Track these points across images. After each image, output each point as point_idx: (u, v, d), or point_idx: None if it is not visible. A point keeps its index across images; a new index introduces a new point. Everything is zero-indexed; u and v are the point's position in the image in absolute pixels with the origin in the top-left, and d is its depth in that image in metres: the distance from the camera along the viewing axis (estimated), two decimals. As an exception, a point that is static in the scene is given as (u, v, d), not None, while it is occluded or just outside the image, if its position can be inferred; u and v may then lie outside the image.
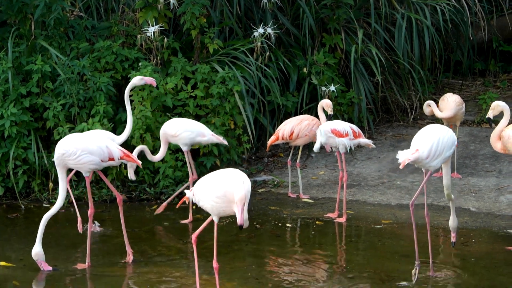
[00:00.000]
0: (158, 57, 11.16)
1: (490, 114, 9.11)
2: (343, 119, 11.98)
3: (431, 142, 7.54)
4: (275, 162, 11.82)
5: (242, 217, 6.04)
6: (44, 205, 10.35)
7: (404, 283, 7.59)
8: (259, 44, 11.41)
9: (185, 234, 9.02)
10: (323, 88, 11.59)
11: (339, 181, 9.88)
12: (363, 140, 9.88)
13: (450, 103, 10.84)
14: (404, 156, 7.55)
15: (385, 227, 9.44)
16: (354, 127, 9.86)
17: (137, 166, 8.94)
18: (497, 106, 9.02)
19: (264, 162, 11.84)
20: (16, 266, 8.06)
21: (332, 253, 8.68)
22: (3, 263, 8.07)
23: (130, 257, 8.22)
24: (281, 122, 10.94)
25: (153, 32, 10.93)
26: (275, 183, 11.08)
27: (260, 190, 10.87)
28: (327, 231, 9.40)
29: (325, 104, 10.21)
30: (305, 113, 11.55)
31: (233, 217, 6.34)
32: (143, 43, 11.08)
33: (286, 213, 10.01)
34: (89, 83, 10.68)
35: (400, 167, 7.55)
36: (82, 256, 8.33)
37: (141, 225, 9.58)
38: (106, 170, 10.51)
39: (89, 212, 8.24)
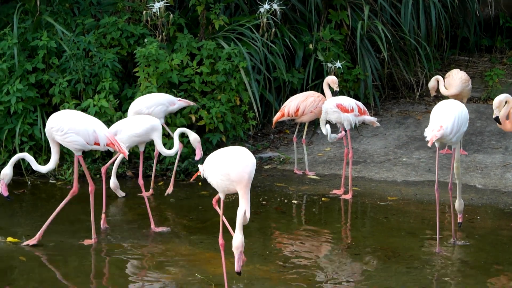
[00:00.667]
0: (164, 33, 11.13)
1: (497, 113, 8.61)
2: (349, 96, 11.95)
3: (453, 118, 7.62)
4: (281, 138, 11.81)
5: (239, 266, 6.06)
6: (50, 181, 10.37)
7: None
8: (265, 20, 11.37)
9: (191, 210, 9.03)
10: (329, 65, 11.56)
11: (345, 158, 9.87)
12: (368, 118, 9.86)
13: (456, 80, 10.79)
14: (431, 134, 7.59)
15: (391, 204, 9.45)
16: (360, 104, 9.83)
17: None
18: (500, 102, 8.52)
19: (270, 138, 11.84)
20: (22, 241, 8.07)
21: (337, 229, 8.69)
22: (9, 238, 8.09)
23: (91, 241, 8.12)
24: (287, 98, 10.92)
25: (159, 8, 10.90)
26: (281, 159, 11.08)
27: (266, 167, 10.87)
28: (333, 208, 9.41)
29: (331, 80, 10.19)
30: (311, 90, 11.54)
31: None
32: (149, 19, 11.05)
33: (292, 190, 10.01)
34: (94, 59, 10.67)
35: (429, 144, 7.61)
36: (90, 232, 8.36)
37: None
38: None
39: (90, 189, 8.22)
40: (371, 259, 7.71)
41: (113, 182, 9.57)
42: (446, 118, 7.62)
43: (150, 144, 10.45)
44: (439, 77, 10.81)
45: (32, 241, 7.98)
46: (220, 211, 6.64)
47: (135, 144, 8.61)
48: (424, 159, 10.80)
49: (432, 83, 10.89)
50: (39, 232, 8.00)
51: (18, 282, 7.07)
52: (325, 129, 9.71)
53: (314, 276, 7.26)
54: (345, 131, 9.73)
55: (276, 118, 10.43)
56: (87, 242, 8.09)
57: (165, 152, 8.72)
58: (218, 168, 6.33)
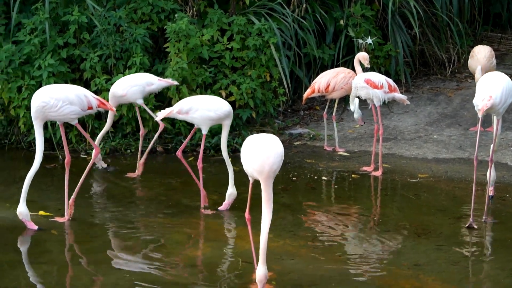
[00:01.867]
0: (194, 9, 11.12)
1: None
2: (380, 72, 11.87)
3: (501, 88, 7.64)
4: (311, 115, 11.79)
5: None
6: (81, 155, 10.43)
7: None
8: (296, -5, 11.33)
9: (221, 186, 9.04)
10: (360, 41, 11.48)
11: (375, 135, 9.83)
12: (398, 95, 9.79)
13: (480, 58, 10.69)
14: (481, 103, 7.58)
15: (421, 181, 9.41)
16: (390, 80, 9.76)
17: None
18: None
19: (300, 115, 11.81)
20: (54, 215, 8.14)
21: (367, 206, 8.68)
22: (41, 212, 8.16)
23: (66, 217, 8.03)
24: (317, 74, 10.87)
25: (190, -17, 10.89)
26: (311, 136, 11.06)
27: (296, 143, 10.86)
28: (363, 185, 9.39)
29: (362, 57, 10.13)
30: (341, 66, 11.48)
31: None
32: (180, -6, 11.05)
33: (321, 166, 10.00)
34: (125, 34, 10.69)
35: (480, 114, 7.59)
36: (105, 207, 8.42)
37: (177, 177, 9.63)
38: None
39: (65, 161, 8.08)
40: (401, 236, 7.69)
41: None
42: (495, 88, 7.64)
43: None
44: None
45: (62, 218, 8.00)
46: (249, 191, 6.59)
47: (209, 126, 8.37)
48: (455, 136, 10.73)
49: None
50: (65, 210, 8.00)
51: (49, 256, 7.13)
52: (353, 105, 9.69)
53: (343, 253, 7.25)
54: (375, 107, 9.68)
55: (306, 94, 10.40)
56: (60, 219, 7.99)
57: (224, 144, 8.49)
58: (244, 155, 6.27)
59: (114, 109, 8.25)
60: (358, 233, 7.80)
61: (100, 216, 8.19)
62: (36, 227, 7.71)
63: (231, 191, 8.31)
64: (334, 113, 10.60)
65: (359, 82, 9.60)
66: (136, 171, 9.65)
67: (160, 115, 8.41)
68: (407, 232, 7.80)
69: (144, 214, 8.33)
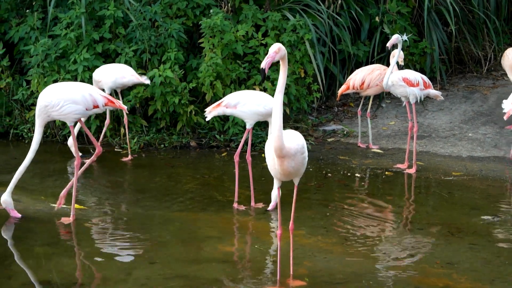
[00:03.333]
0: (229, 4, 11.14)
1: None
2: (415, 69, 11.84)
3: None
4: (345, 111, 11.76)
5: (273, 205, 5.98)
6: (115, 149, 10.49)
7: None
8: (331, -9, 11.29)
9: (254, 181, 9.05)
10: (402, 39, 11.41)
11: (409, 132, 9.77)
12: (433, 91, 9.74)
13: (511, 60, 10.65)
14: (509, 107, 7.52)
15: (456, 179, 9.35)
16: (425, 77, 9.72)
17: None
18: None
19: (334, 111, 11.79)
20: (88, 209, 8.20)
21: (400, 204, 8.64)
22: (76, 205, 8.21)
23: (60, 203, 7.96)
24: (352, 71, 10.86)
25: (225, -22, 10.90)
26: (345, 132, 11.04)
27: (329, 140, 10.84)
28: (396, 182, 9.35)
29: (398, 56, 10.07)
30: (376, 63, 11.44)
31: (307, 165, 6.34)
32: (215, -10, 11.06)
33: (355, 163, 9.97)
34: (160, 29, 10.73)
35: (505, 117, 7.52)
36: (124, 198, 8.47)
37: (210, 172, 9.66)
38: (176, 117, 10.61)
39: (75, 163, 8.00)
40: (434, 235, 7.64)
41: (71, 140, 9.85)
42: None
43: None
44: None
45: (68, 219, 7.89)
46: (278, 199, 6.56)
47: (254, 121, 8.26)
48: (490, 134, 10.65)
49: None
50: (71, 211, 7.91)
51: (84, 248, 7.19)
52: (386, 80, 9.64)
53: (376, 250, 7.23)
54: (410, 105, 9.63)
55: (341, 91, 10.38)
56: (65, 220, 7.88)
57: None
58: (267, 154, 6.26)
59: (125, 106, 8.20)
60: (391, 231, 7.77)
61: (133, 211, 8.23)
62: (19, 215, 7.79)
63: (276, 192, 8.11)
64: (368, 110, 10.57)
65: (396, 80, 9.55)
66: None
67: (208, 110, 8.41)
68: (440, 231, 7.75)
69: (177, 209, 8.36)
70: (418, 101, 9.63)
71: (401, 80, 9.50)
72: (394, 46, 9.76)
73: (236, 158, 8.40)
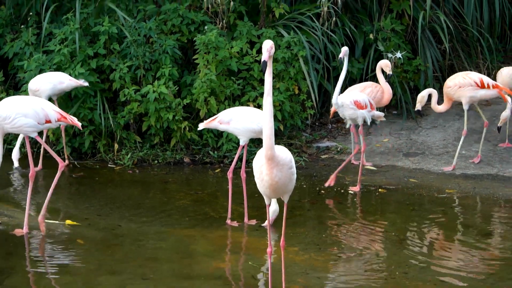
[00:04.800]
0: (224, 21, 11.16)
1: (419, 107, 10.25)
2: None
3: None
4: (339, 128, 11.77)
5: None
6: (109, 165, 10.49)
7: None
8: (325, 9, 11.31)
9: (248, 197, 9.05)
10: (389, 55, 11.46)
11: (354, 153, 9.68)
12: (377, 113, 9.71)
13: (504, 76, 10.76)
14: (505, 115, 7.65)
15: (449, 197, 9.35)
16: (370, 99, 9.69)
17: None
18: (422, 98, 10.16)
19: (327, 128, 11.80)
20: (81, 225, 8.19)
21: (393, 221, 8.63)
22: (68, 221, 8.21)
23: (22, 231, 7.86)
24: (346, 88, 10.86)
25: (220, -5, 10.92)
26: (338, 149, 11.05)
27: (323, 156, 10.85)
28: (390, 199, 9.35)
29: (384, 64, 10.17)
30: (370, 80, 11.46)
31: (297, 181, 6.34)
32: (210, 6, 11.08)
33: (348, 180, 9.98)
34: (155, 45, 10.74)
35: (499, 124, 7.59)
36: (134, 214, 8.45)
37: (203, 188, 9.65)
38: (170, 133, 10.61)
39: (59, 165, 7.93)
40: (427, 252, 7.65)
41: (16, 151, 9.99)
42: None
43: (208, 131, 10.53)
44: (433, 91, 10.46)
45: (21, 231, 7.85)
46: (268, 218, 6.56)
47: (248, 138, 8.28)
48: (484, 152, 10.66)
49: (422, 95, 10.37)
50: (26, 216, 7.88)
51: (76, 265, 7.17)
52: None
53: (369, 268, 7.22)
54: (356, 127, 9.59)
55: (333, 109, 10.39)
56: (18, 232, 7.86)
57: None
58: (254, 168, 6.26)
59: (80, 124, 8.04)
60: (384, 248, 7.76)
61: (126, 227, 8.22)
62: None
63: (274, 207, 8.12)
64: (360, 127, 10.57)
65: (347, 103, 9.44)
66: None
67: (201, 126, 8.43)
68: (433, 248, 7.76)
69: (171, 225, 8.35)
70: (368, 123, 9.60)
71: (352, 103, 9.43)
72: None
73: (229, 174, 8.40)
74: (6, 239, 7.71)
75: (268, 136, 5.90)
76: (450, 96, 10.15)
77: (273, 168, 6.03)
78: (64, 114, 7.88)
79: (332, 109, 10.42)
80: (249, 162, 10.33)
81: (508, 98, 10.31)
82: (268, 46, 5.84)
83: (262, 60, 5.82)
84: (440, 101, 10.24)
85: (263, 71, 6.08)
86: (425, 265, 7.28)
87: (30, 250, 7.50)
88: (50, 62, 10.54)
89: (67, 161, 10.19)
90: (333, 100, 9.41)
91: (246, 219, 8.38)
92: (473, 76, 10.12)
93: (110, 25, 10.59)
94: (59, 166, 7.89)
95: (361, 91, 10.16)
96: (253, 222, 8.35)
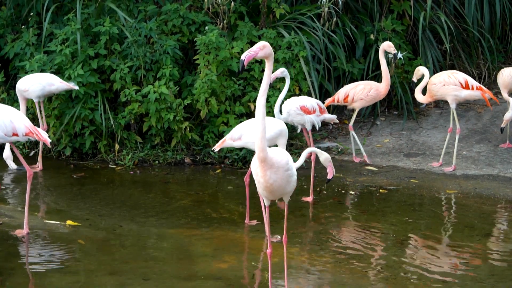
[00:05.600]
0: (225, 21, 11.16)
1: (414, 78, 10.48)
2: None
3: None
4: (340, 129, 11.76)
5: None
6: (110, 165, 10.49)
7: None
8: (326, 9, 11.31)
9: (249, 197, 9.05)
10: (390, 55, 11.45)
11: (312, 162, 9.53)
12: (328, 116, 9.64)
13: (505, 78, 10.77)
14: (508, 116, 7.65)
15: (450, 197, 9.35)
16: (320, 103, 9.62)
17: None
18: (418, 71, 10.36)
19: (328, 128, 11.80)
20: (81, 225, 8.19)
21: (394, 221, 8.63)
22: (69, 222, 8.21)
23: (23, 231, 7.84)
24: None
25: (221, -4, 10.91)
26: (339, 150, 11.04)
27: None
28: (391, 199, 9.35)
29: (387, 45, 10.27)
30: (371, 80, 11.46)
31: (299, 181, 6.34)
32: (210, 6, 11.07)
33: (349, 181, 9.98)
34: (156, 46, 10.74)
35: (502, 125, 7.59)
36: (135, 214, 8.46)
37: (204, 189, 9.66)
38: (171, 134, 10.61)
39: (27, 174, 7.79)
40: (428, 252, 7.64)
41: (7, 152, 9.94)
42: None
43: (209, 132, 10.53)
44: (426, 72, 10.37)
45: (22, 232, 7.84)
46: (265, 218, 6.51)
47: None
48: (484, 152, 10.66)
49: (420, 69, 10.46)
50: (25, 225, 7.84)
51: (77, 265, 7.17)
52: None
53: (369, 268, 7.22)
54: (307, 132, 9.52)
55: (327, 102, 10.45)
56: (19, 233, 7.85)
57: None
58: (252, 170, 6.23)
59: (49, 140, 7.87)
60: (385, 248, 7.76)
61: (127, 227, 8.22)
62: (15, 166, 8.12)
63: (324, 156, 7.40)
64: (351, 123, 10.57)
65: (293, 109, 9.33)
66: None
67: (216, 147, 8.37)
68: (434, 248, 7.75)
69: (171, 225, 8.35)
70: (317, 128, 9.54)
71: (298, 109, 9.34)
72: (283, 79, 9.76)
73: (246, 179, 8.37)
74: (7, 239, 7.71)
75: (259, 138, 5.85)
76: (433, 93, 10.23)
77: (266, 170, 6.00)
78: (34, 129, 7.72)
79: (326, 102, 10.43)
80: (235, 164, 10.36)
81: (510, 99, 10.34)
82: (256, 47, 5.80)
83: (241, 58, 5.76)
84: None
85: (239, 71, 5.98)
86: (426, 266, 7.28)
87: (31, 251, 7.50)
88: (51, 63, 10.55)
89: (40, 166, 10.12)
90: (276, 116, 9.21)
91: (247, 220, 8.38)
92: (458, 76, 10.15)
93: (111, 25, 10.59)
94: (27, 174, 7.79)
95: (352, 88, 10.29)
96: (254, 222, 8.35)
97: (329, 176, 7.59)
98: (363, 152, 10.54)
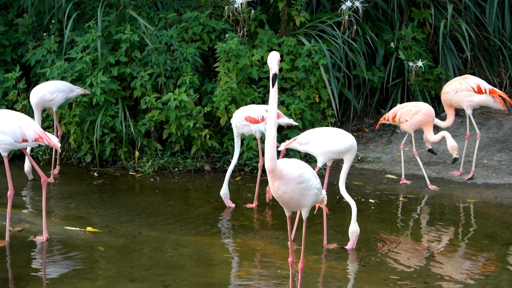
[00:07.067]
0: (245, 29, 11.17)
1: (429, 146, 10.15)
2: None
3: None
4: (360, 137, 11.74)
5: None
6: (130, 172, 10.51)
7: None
8: (346, 17, 11.30)
9: (269, 206, 9.05)
10: (410, 64, 11.44)
11: (259, 169, 9.42)
12: (284, 120, 9.47)
13: None
14: None
15: (470, 206, 9.31)
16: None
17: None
18: (426, 138, 10.00)
19: (348, 136, 11.75)
20: (101, 232, 8.20)
21: (414, 230, 8.60)
22: (89, 228, 8.23)
23: (42, 238, 7.83)
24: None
25: (241, 3, 10.92)
26: (359, 158, 11.01)
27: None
28: (411, 208, 9.31)
29: (451, 148, 9.82)
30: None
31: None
32: (230, 14, 11.09)
33: (369, 189, 9.95)
34: (176, 53, 10.77)
35: None
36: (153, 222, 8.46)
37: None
38: (191, 141, 10.63)
39: (8, 193, 7.74)
40: (448, 261, 7.61)
41: (27, 166, 9.97)
42: None
43: (229, 139, 10.54)
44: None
45: (41, 238, 7.86)
46: (288, 226, 6.45)
47: (327, 158, 8.02)
48: (506, 161, 10.60)
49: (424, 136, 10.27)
50: (44, 230, 7.85)
51: (96, 271, 7.18)
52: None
53: (389, 277, 7.19)
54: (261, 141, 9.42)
55: (379, 121, 10.30)
56: (39, 239, 7.86)
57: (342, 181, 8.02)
58: None
59: (59, 145, 7.84)
60: (404, 257, 7.73)
61: (147, 234, 8.22)
62: (233, 205, 8.75)
63: (353, 228, 7.86)
64: (403, 142, 10.35)
65: (238, 120, 9.22)
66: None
67: (282, 146, 8.32)
68: (454, 257, 7.71)
69: (191, 232, 8.35)
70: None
71: (243, 120, 9.20)
72: None
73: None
74: (27, 245, 7.73)
75: (269, 147, 5.78)
76: (448, 102, 10.11)
77: (274, 181, 5.92)
78: (43, 134, 7.71)
79: (380, 119, 10.24)
80: (254, 171, 10.34)
81: None
82: (278, 58, 5.78)
83: (273, 73, 5.73)
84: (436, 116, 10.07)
85: (273, 85, 5.89)
86: (447, 275, 7.24)
87: (50, 257, 7.52)
88: (72, 70, 10.60)
89: (51, 178, 10.06)
90: (232, 124, 9.26)
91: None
92: (470, 81, 10.07)
93: (132, 33, 10.63)
94: (42, 180, 7.80)
95: (400, 108, 9.89)
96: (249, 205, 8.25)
97: (348, 247, 7.66)
98: (426, 179, 10.11)
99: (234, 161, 9.24)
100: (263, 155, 10.24)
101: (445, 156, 10.96)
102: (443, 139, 9.74)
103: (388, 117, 10.10)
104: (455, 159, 9.67)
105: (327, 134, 7.98)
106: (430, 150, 10.12)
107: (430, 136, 9.77)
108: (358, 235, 7.82)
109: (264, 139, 9.22)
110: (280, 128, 10.65)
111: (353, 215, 7.78)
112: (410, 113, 9.87)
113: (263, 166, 9.71)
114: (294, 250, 7.28)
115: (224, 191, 9.16)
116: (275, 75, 5.70)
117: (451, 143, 9.53)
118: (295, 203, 6.06)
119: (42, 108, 9.94)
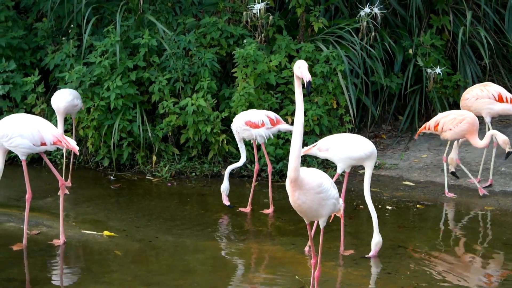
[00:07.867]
0: (263, 35, 11.18)
1: (452, 168, 10.00)
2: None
3: None
4: (377, 143, 11.71)
5: None
6: (147, 177, 10.53)
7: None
8: (364, 24, 11.28)
9: (284, 212, 9.04)
10: (429, 70, 11.40)
11: (269, 174, 9.42)
12: (283, 126, 9.45)
13: None
14: None
15: (488, 214, 9.26)
16: (271, 114, 9.47)
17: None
18: (452, 160, 9.94)
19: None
20: (118, 236, 8.22)
21: (430, 237, 8.56)
22: (106, 232, 8.25)
23: (59, 241, 7.86)
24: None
25: (259, 9, 10.94)
26: (376, 164, 10.98)
27: (361, 171, 10.79)
28: (428, 215, 9.28)
29: (502, 141, 9.62)
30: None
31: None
32: (249, 20, 11.10)
33: (386, 195, 9.92)
34: (194, 58, 10.79)
35: None
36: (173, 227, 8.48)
37: (240, 201, 9.64)
38: (208, 146, 10.64)
39: (26, 197, 7.77)
40: (466, 269, 7.57)
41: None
42: None
43: (246, 145, 10.54)
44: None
45: (58, 241, 7.89)
46: (309, 233, 6.44)
47: (347, 165, 7.98)
48: (524, 169, 10.56)
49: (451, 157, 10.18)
50: (61, 234, 7.89)
51: (112, 276, 7.20)
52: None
53: (406, 284, 7.17)
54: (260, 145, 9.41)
55: (419, 130, 10.10)
56: (56, 242, 7.90)
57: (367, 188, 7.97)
58: None
59: (77, 148, 7.92)
60: (421, 264, 7.70)
61: (163, 239, 8.23)
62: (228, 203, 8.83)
63: (377, 239, 7.84)
64: (444, 154, 10.21)
65: (239, 125, 9.24)
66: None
67: (303, 152, 8.25)
68: (472, 265, 7.68)
69: (207, 237, 8.35)
70: (266, 141, 9.39)
71: (244, 125, 9.23)
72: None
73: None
74: (44, 249, 7.76)
75: (294, 157, 5.74)
76: (467, 109, 9.97)
77: (295, 191, 5.91)
78: (61, 138, 7.76)
79: (421, 128, 10.05)
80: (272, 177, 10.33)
81: None
82: (307, 65, 5.76)
83: (307, 80, 5.69)
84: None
85: (308, 93, 5.86)
86: (463, 283, 7.21)
87: (67, 260, 7.55)
88: (91, 74, 10.64)
89: (69, 181, 10.09)
90: (232, 128, 9.33)
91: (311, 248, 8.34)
92: (491, 89, 9.99)
93: (150, 38, 10.66)
94: (59, 183, 7.87)
95: (443, 117, 9.71)
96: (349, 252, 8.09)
97: (370, 256, 7.66)
98: (446, 187, 10.01)
99: (239, 164, 9.37)
100: (259, 160, 10.32)
101: (463, 164, 10.89)
102: (491, 138, 9.60)
103: (429, 126, 9.81)
104: (509, 153, 9.55)
105: (347, 140, 7.94)
106: (452, 173, 10.05)
107: (477, 143, 9.58)
108: (381, 246, 7.80)
109: (265, 143, 9.35)
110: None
111: (374, 226, 7.75)
112: (454, 122, 9.63)
113: (259, 170, 9.78)
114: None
115: (224, 186, 9.25)
116: (309, 82, 5.67)
117: (502, 138, 9.43)
118: (313, 212, 6.05)
119: (63, 114, 9.90)
